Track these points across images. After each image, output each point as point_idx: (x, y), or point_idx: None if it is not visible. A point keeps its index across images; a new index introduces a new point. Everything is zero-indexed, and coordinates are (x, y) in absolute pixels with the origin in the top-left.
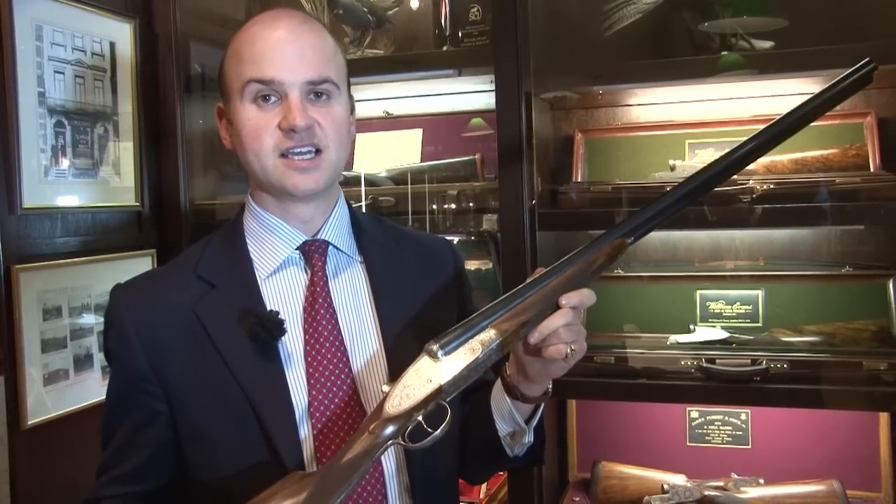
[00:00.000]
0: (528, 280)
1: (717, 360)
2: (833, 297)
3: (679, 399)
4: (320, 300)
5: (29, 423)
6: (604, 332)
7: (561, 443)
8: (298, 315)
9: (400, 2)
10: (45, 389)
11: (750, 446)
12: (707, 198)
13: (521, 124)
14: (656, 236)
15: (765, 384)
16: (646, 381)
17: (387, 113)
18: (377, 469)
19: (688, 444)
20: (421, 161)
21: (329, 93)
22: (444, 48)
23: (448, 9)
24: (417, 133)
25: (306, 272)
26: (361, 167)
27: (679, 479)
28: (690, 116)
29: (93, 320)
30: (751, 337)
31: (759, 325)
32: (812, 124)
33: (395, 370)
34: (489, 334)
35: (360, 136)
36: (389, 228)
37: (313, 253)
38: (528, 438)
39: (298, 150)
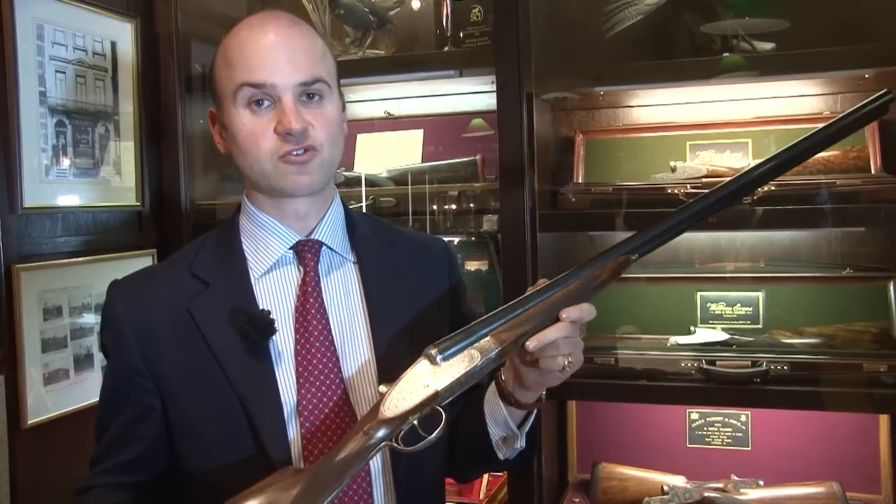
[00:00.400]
0: (530, 290)
1: (718, 362)
2: (833, 299)
3: (679, 400)
4: (311, 300)
5: (29, 422)
6: (604, 333)
7: (561, 444)
8: (290, 314)
9: (401, 2)
10: (45, 389)
11: (750, 448)
12: None
13: (521, 125)
14: None
15: (765, 386)
16: (646, 383)
17: (388, 113)
18: (363, 469)
19: (688, 445)
20: (422, 161)
21: (321, 93)
22: (446, 49)
23: (449, 9)
24: (418, 133)
25: (299, 272)
26: (362, 167)
27: (679, 481)
28: (691, 118)
29: (93, 320)
30: (751, 338)
31: (760, 326)
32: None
33: (384, 371)
34: (488, 343)
35: (360, 137)
36: (385, 228)
37: (306, 253)
38: (520, 444)
39: (295, 152)
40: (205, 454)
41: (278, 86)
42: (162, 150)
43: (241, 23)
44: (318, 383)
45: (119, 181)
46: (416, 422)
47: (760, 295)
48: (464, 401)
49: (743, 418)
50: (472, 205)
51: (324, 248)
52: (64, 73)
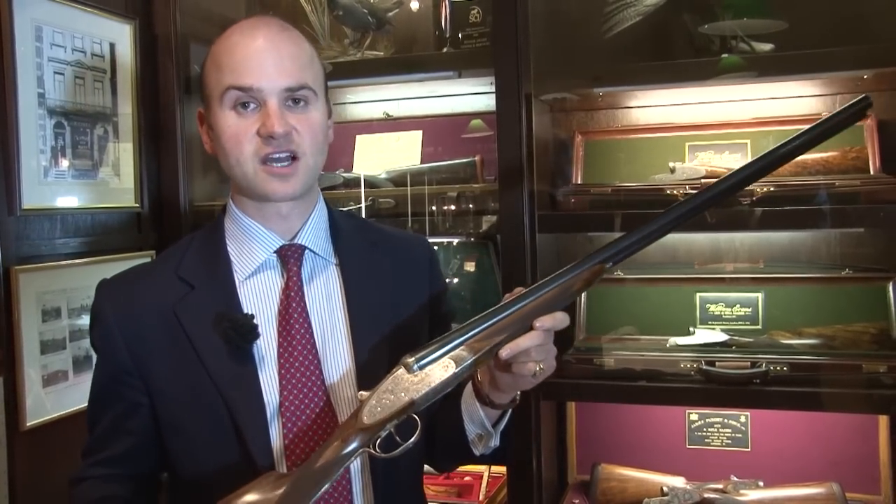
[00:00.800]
0: (507, 299)
1: (717, 363)
2: (833, 300)
3: (679, 401)
4: (294, 304)
5: (28, 424)
6: (603, 334)
7: (560, 445)
8: (273, 317)
9: (400, 3)
10: (44, 391)
11: (749, 449)
12: None
13: (520, 126)
14: None
15: (764, 386)
16: (645, 384)
17: (387, 114)
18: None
19: (687, 446)
20: (421, 163)
21: (306, 99)
22: (445, 50)
23: (448, 10)
24: (417, 135)
25: (282, 275)
26: (361, 169)
27: (678, 482)
28: (690, 118)
29: None
30: (750, 339)
31: (759, 327)
32: None
33: (364, 374)
34: (463, 352)
35: (359, 138)
36: (367, 229)
37: (289, 257)
38: (495, 442)
39: (277, 156)
40: (190, 451)
41: (264, 89)
42: (161, 152)
43: (232, 27)
44: (300, 385)
45: (118, 182)
46: (392, 429)
47: (760, 296)
48: (443, 401)
49: (742, 419)
50: (471, 206)
51: (307, 251)
52: (62, 74)
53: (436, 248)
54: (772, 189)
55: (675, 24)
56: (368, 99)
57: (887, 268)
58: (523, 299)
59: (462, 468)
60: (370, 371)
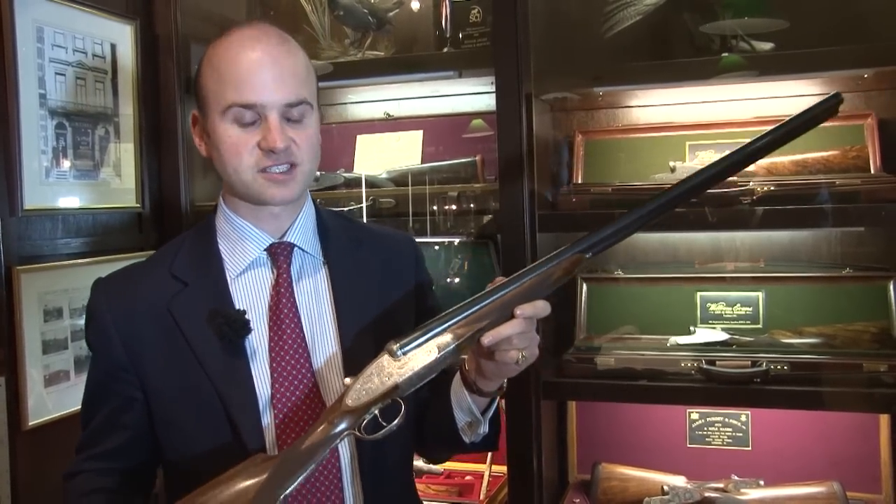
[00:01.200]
0: (488, 288)
1: (718, 362)
2: (833, 299)
3: (679, 400)
4: (284, 300)
5: (30, 423)
6: (604, 333)
7: (561, 444)
8: (264, 313)
9: (400, 3)
10: (45, 390)
11: (750, 448)
12: (707, 199)
13: (521, 126)
14: (656, 237)
15: (765, 386)
16: (646, 383)
17: (387, 114)
18: (334, 455)
19: (688, 445)
20: (421, 162)
21: (304, 112)
22: (445, 50)
23: (448, 10)
24: (418, 134)
25: (272, 272)
26: (362, 168)
27: (679, 481)
28: (691, 118)
29: None
30: (751, 338)
31: (760, 326)
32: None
33: (351, 366)
34: (446, 338)
35: (360, 138)
36: (353, 227)
37: (279, 255)
38: (484, 429)
39: (276, 168)
40: (185, 444)
41: (266, 105)
42: (162, 152)
43: (231, 34)
44: (290, 377)
45: (119, 183)
46: (377, 412)
47: (760, 295)
48: (432, 389)
49: (743, 418)
50: (471, 205)
51: (296, 249)
52: (64, 75)
53: (437, 247)
54: (772, 188)
55: (675, 23)
56: (369, 99)
57: (888, 267)
58: (504, 288)
59: (462, 468)
60: (357, 362)
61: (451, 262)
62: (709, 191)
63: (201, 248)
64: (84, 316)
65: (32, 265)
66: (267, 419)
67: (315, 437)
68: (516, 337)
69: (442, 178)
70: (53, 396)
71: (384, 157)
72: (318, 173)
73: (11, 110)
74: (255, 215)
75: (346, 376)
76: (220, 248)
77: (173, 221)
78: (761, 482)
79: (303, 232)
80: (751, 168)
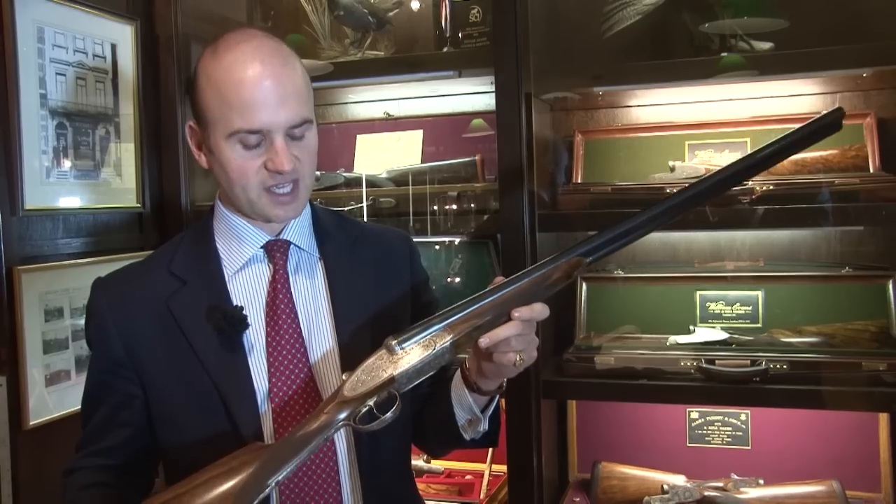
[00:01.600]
0: (488, 288)
1: (717, 361)
2: (833, 298)
3: (679, 400)
4: (281, 296)
5: (31, 423)
6: (604, 332)
7: (561, 443)
8: (261, 309)
9: (400, 3)
10: (46, 390)
11: (749, 447)
12: None
13: (521, 125)
14: (656, 237)
15: (764, 385)
16: (646, 382)
17: (387, 114)
18: (331, 449)
19: (688, 444)
20: (422, 162)
21: (306, 129)
22: (445, 49)
23: (448, 10)
24: (418, 134)
25: (269, 269)
26: (362, 168)
27: (679, 480)
28: (690, 117)
29: None
30: (750, 338)
31: (759, 325)
32: None
33: (347, 360)
34: (443, 334)
35: (360, 138)
36: (348, 225)
37: (276, 252)
38: (484, 426)
39: (282, 189)
40: (184, 439)
41: (272, 129)
42: (162, 152)
43: (229, 51)
44: (287, 372)
45: (119, 183)
46: (373, 404)
47: (760, 294)
48: (433, 386)
49: (743, 417)
50: (472, 205)
51: (292, 246)
52: (64, 75)
53: (437, 247)
54: (772, 187)
55: (674, 23)
56: (369, 99)
57: (887, 266)
58: (502, 288)
59: (462, 467)
60: (354, 357)
61: (452, 262)
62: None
63: (199, 246)
64: (84, 316)
65: (33, 265)
66: (264, 413)
67: (310, 426)
68: (514, 339)
69: (442, 177)
70: (54, 396)
71: (384, 156)
72: (319, 173)
73: (12, 110)
74: (251, 219)
75: (342, 370)
76: (218, 246)
77: (174, 221)
78: (761, 481)
79: (299, 230)
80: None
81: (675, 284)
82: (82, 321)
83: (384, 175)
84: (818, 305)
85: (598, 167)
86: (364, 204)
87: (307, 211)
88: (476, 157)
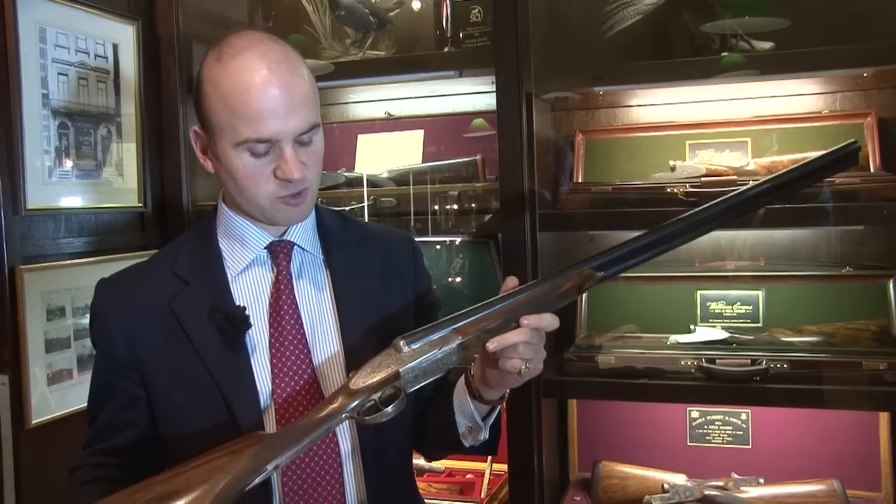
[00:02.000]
0: (501, 289)
1: (718, 360)
2: (833, 298)
3: (679, 399)
4: (284, 297)
5: (33, 422)
6: (604, 332)
7: (562, 442)
8: (265, 310)
9: (401, 3)
10: (48, 389)
11: (750, 446)
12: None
13: (521, 125)
14: None
15: (765, 384)
16: (646, 381)
17: (388, 114)
18: (334, 450)
19: (688, 443)
20: (422, 162)
21: (313, 134)
22: (446, 49)
23: (449, 10)
24: (419, 134)
25: (272, 270)
26: (363, 168)
27: (679, 479)
28: (691, 117)
29: None
30: (751, 337)
31: (760, 325)
32: (812, 125)
33: (351, 361)
34: (451, 336)
35: (361, 138)
36: (351, 226)
37: (279, 253)
38: (484, 435)
39: (293, 195)
40: (187, 439)
41: (282, 138)
42: (164, 152)
43: (234, 57)
44: (290, 373)
45: (121, 182)
46: (377, 398)
47: (760, 293)
48: (435, 391)
49: (743, 416)
50: (472, 205)
51: (295, 247)
52: (66, 75)
53: (437, 246)
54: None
55: (675, 22)
56: (370, 98)
57: (888, 265)
58: (513, 295)
59: (464, 466)
60: (357, 358)
61: (452, 262)
62: (709, 191)
63: (202, 247)
64: (87, 315)
65: (35, 264)
66: (267, 413)
67: (313, 415)
68: (522, 346)
69: (443, 177)
70: (56, 395)
71: (385, 156)
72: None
73: (14, 110)
74: (254, 220)
75: (346, 371)
76: (221, 246)
77: (175, 221)
78: (761, 480)
79: (303, 231)
80: (751, 167)
81: (676, 284)
82: (84, 320)
83: (385, 175)
84: (819, 305)
85: (599, 167)
86: (365, 204)
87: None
88: (477, 157)
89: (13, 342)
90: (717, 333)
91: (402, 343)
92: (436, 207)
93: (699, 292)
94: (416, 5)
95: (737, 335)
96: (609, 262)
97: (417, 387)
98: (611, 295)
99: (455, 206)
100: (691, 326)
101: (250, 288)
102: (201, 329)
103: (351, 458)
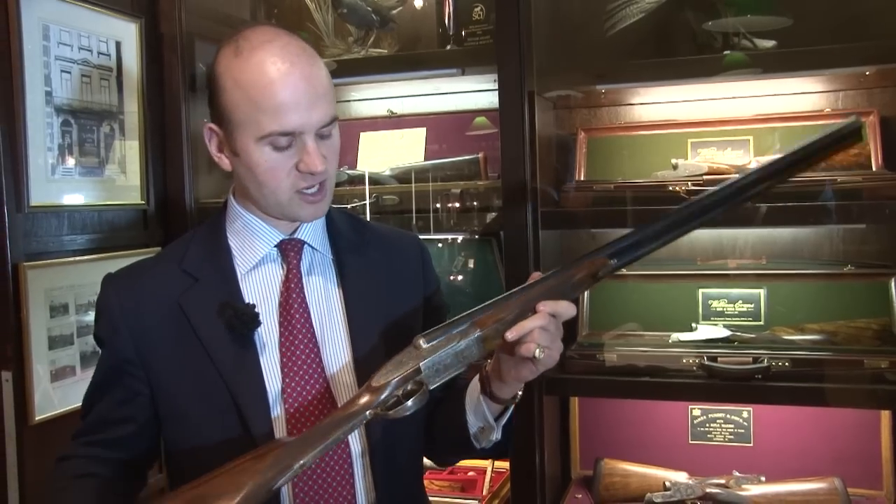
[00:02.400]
0: (516, 289)
1: (719, 359)
2: (835, 296)
3: (681, 397)
4: (294, 295)
5: (36, 418)
6: (606, 330)
7: (564, 440)
8: (274, 308)
9: (404, 1)
10: (52, 386)
11: (752, 444)
12: None
13: (524, 123)
14: None
15: (766, 382)
16: (648, 379)
17: (391, 112)
18: (345, 452)
19: (690, 441)
20: (425, 160)
21: (333, 127)
22: (448, 47)
23: (452, 8)
24: (421, 132)
25: (283, 268)
26: (366, 166)
27: (681, 477)
28: (693, 115)
29: None
30: (753, 335)
31: (761, 323)
32: (814, 123)
33: (360, 361)
34: (470, 328)
35: (364, 135)
36: (360, 227)
37: (289, 251)
38: (496, 436)
39: (312, 189)
40: (194, 438)
41: (305, 130)
42: (166, 149)
43: (254, 51)
44: (300, 372)
45: (124, 180)
46: (400, 394)
47: (762, 292)
48: (447, 391)
49: (745, 414)
50: (475, 203)
51: (306, 246)
52: (69, 72)
53: (440, 244)
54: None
55: (677, 21)
56: (372, 96)
57: (890, 264)
58: (529, 287)
59: (465, 463)
60: (367, 358)
61: (455, 259)
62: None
63: (211, 244)
64: (90, 312)
65: (39, 261)
66: (277, 412)
67: (339, 412)
68: (538, 331)
69: (445, 175)
70: (59, 391)
71: (388, 154)
72: None
73: (18, 108)
74: (265, 217)
75: (356, 371)
76: (231, 244)
77: (178, 218)
78: (763, 478)
79: (313, 230)
80: (753, 166)
81: (678, 282)
82: (87, 317)
83: (387, 172)
84: (820, 303)
85: (601, 165)
86: (367, 201)
87: None
88: (479, 155)
89: (16, 339)
90: (719, 331)
91: (421, 341)
92: (438, 205)
93: (701, 290)
94: (418, 3)
95: (738, 333)
96: (622, 249)
97: (439, 381)
98: (613, 293)
99: (457, 204)
100: (693, 325)
101: (260, 286)
102: (210, 326)
103: (361, 460)
